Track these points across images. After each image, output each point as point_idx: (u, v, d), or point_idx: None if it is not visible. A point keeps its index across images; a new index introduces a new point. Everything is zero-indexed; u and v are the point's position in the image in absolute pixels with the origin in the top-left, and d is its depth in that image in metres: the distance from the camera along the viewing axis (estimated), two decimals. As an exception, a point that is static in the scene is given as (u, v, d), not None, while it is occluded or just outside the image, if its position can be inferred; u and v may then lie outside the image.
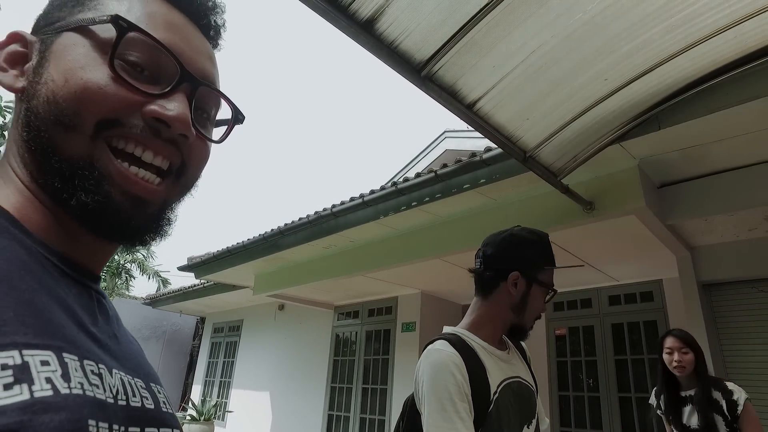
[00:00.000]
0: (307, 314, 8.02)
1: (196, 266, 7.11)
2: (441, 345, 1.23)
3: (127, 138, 0.46)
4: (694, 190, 3.46)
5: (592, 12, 2.09)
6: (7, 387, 0.31)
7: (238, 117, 0.55)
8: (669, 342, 2.62)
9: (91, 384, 0.37)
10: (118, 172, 0.45)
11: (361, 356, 6.93)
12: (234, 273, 6.78)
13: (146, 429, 0.43)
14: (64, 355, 0.35)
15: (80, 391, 0.35)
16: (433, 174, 3.85)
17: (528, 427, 1.28)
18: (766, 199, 3.22)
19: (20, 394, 0.31)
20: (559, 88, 2.46)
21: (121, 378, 0.43)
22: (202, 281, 8.42)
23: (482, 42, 2.12)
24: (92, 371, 0.38)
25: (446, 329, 1.38)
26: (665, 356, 2.62)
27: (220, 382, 10.00)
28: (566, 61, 2.32)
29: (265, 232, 5.63)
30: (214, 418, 8.14)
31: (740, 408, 2.30)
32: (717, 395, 2.38)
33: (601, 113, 2.66)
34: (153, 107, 0.46)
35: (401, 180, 4.26)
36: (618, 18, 2.14)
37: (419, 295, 6.40)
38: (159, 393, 0.50)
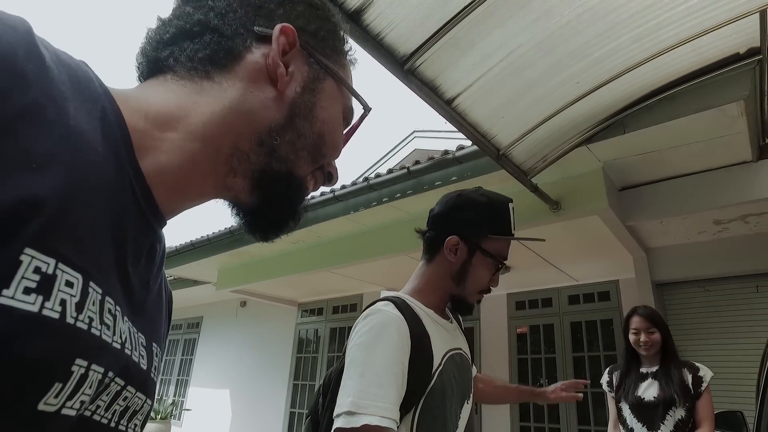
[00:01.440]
0: (270, 311, 7.93)
1: (156, 260, 6.91)
2: (385, 306, 1.08)
3: (315, 181, 0.56)
4: (652, 194, 3.66)
5: (569, 17, 2.19)
6: (27, 291, 0.31)
7: (367, 110, 0.61)
8: (635, 322, 2.51)
9: (102, 323, 0.37)
10: (305, 196, 0.56)
11: (325, 353, 6.92)
12: (197, 267, 6.63)
13: (128, 386, 0.43)
14: (91, 283, 0.35)
15: (85, 326, 0.35)
16: (405, 170, 3.91)
17: (467, 402, 1.21)
18: (714, 203, 3.45)
19: (32, 305, 0.31)
20: (534, 89, 2.56)
21: (129, 327, 0.43)
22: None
23: (464, 39, 2.19)
24: (109, 310, 0.38)
25: (386, 293, 1.19)
26: (631, 336, 2.51)
27: (177, 380, 9.73)
28: (542, 63, 2.42)
29: (231, 226, 5.54)
30: (171, 416, 7.92)
31: (704, 385, 2.31)
32: (683, 371, 2.36)
33: (571, 115, 2.78)
34: (334, 164, 0.58)
35: (372, 176, 4.31)
36: (591, 24, 2.26)
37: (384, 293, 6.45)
38: (155, 356, 0.50)
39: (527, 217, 3.62)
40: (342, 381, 1.00)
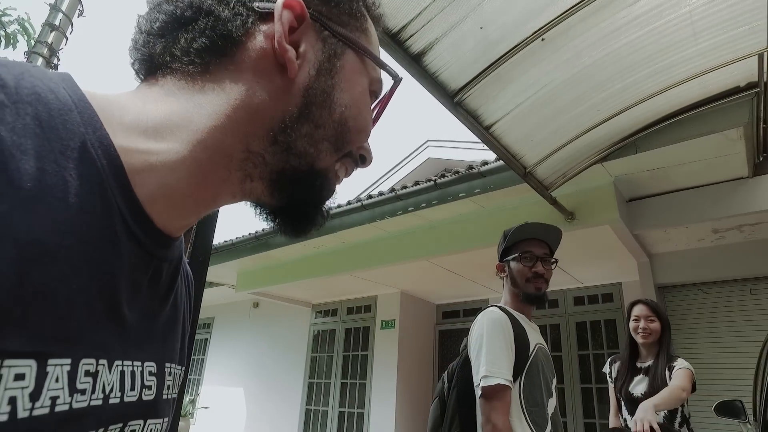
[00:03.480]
0: (283, 312, 8.20)
1: (177, 263, 7.15)
2: (494, 309, 1.63)
3: (347, 166, 0.52)
4: (657, 205, 4.01)
5: (594, 57, 2.53)
6: None
7: (397, 78, 0.55)
8: (637, 310, 2.63)
9: (72, 392, 0.34)
10: (333, 189, 0.50)
11: (340, 352, 7.22)
12: (218, 270, 6.90)
13: (129, 423, 0.41)
14: (50, 361, 0.32)
15: (46, 411, 0.32)
16: (432, 182, 4.23)
17: (554, 380, 1.67)
18: (713, 214, 3.81)
19: None
20: (560, 116, 2.90)
21: (122, 370, 0.40)
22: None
23: (505, 76, 2.52)
24: (87, 371, 0.35)
25: (490, 305, 1.76)
26: (631, 323, 2.62)
27: (190, 379, 9.97)
28: (568, 95, 2.76)
29: (256, 231, 5.83)
30: (189, 415, 8.16)
31: (675, 369, 2.42)
32: (665, 369, 2.48)
33: (591, 138, 3.12)
34: (367, 146, 0.52)
35: (395, 184, 4.63)
36: (614, 63, 2.60)
37: (398, 295, 6.77)
38: (168, 375, 0.48)
39: (544, 226, 3.96)
40: (475, 360, 1.51)
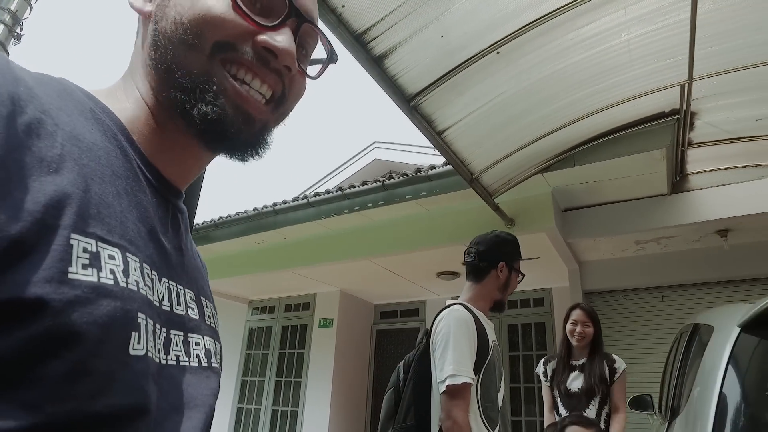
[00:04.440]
0: (218, 308, 7.92)
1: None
2: (459, 308, 1.66)
3: (239, 64, 0.49)
4: (589, 216, 4.30)
5: (545, 73, 2.68)
6: (84, 267, 0.36)
7: (332, 57, 0.59)
8: (575, 314, 2.83)
9: (145, 284, 0.42)
10: (233, 89, 0.48)
11: (276, 350, 7.10)
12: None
13: (189, 334, 0.50)
14: (128, 255, 0.40)
15: (135, 288, 0.40)
16: (379, 183, 4.28)
17: (502, 380, 1.75)
18: (637, 227, 4.14)
19: (91, 276, 0.36)
20: (508, 126, 3.04)
21: (168, 287, 0.48)
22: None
23: (461, 84, 2.61)
24: (147, 274, 0.43)
25: (450, 302, 1.78)
26: (569, 326, 2.81)
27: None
28: (518, 106, 2.90)
29: (197, 224, 5.62)
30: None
31: (618, 374, 2.67)
32: (603, 364, 2.70)
33: (535, 149, 3.30)
34: (264, 37, 0.49)
35: (342, 183, 4.64)
36: (560, 81, 2.77)
37: (338, 293, 6.76)
38: (207, 307, 0.56)
39: (483, 231, 4.11)
40: (440, 357, 1.53)
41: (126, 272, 0.39)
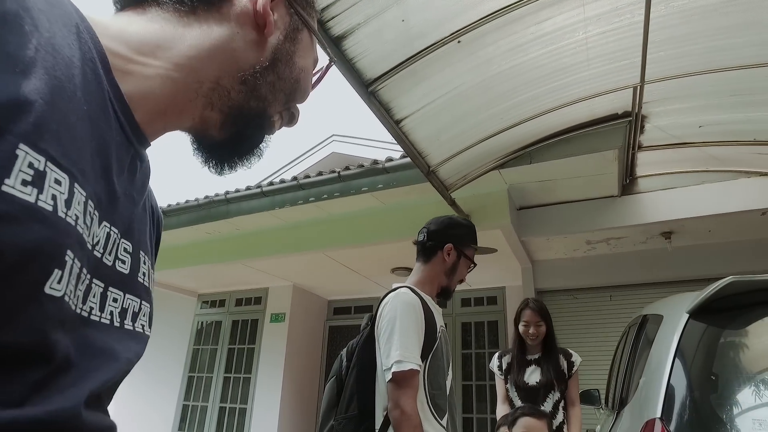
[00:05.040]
0: (165, 301, 7.60)
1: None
2: (406, 291, 1.57)
3: (279, 116, 0.61)
4: (543, 215, 4.37)
5: (504, 66, 2.68)
6: (24, 183, 0.32)
7: (330, 64, 0.70)
8: (526, 315, 2.80)
9: (84, 222, 0.38)
10: (272, 133, 0.61)
11: (225, 345, 6.88)
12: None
13: (110, 288, 0.45)
14: (76, 185, 0.37)
15: (72, 222, 0.36)
16: (336, 174, 4.19)
17: (450, 367, 1.67)
18: (588, 227, 4.24)
19: (29, 195, 0.33)
20: (467, 119, 3.03)
21: (108, 232, 0.44)
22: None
23: (420, 73, 2.57)
24: (90, 212, 0.39)
25: (397, 285, 1.68)
26: (521, 327, 2.79)
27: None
28: (476, 100, 2.89)
29: (142, 211, 5.34)
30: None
31: (575, 369, 2.71)
32: (560, 359, 2.72)
33: (492, 145, 3.30)
34: (299, 107, 0.64)
35: (297, 173, 4.53)
36: (519, 75, 2.77)
37: (291, 288, 6.62)
38: (144, 264, 0.52)
39: (442, 227, 4.12)
40: (386, 343, 1.45)
41: (69, 203, 0.36)
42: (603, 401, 3.07)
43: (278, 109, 0.58)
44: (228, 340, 6.91)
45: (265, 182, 4.63)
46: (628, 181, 4.24)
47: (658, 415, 1.35)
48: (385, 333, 1.48)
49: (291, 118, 0.62)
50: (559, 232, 4.31)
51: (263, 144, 0.59)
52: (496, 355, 2.98)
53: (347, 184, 4.22)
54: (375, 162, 4.08)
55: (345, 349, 1.70)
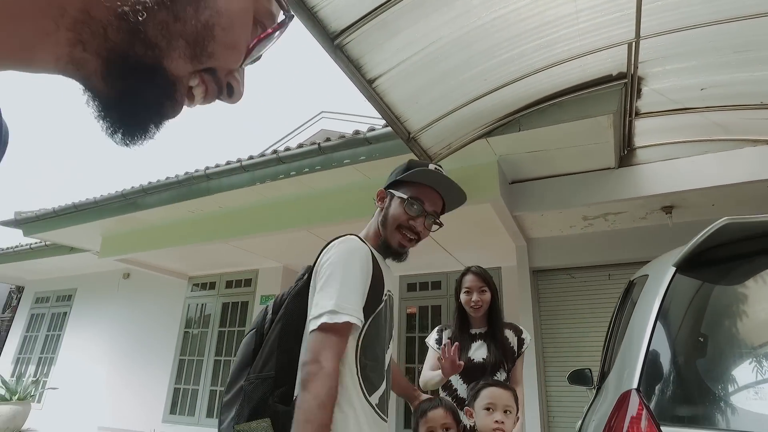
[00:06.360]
0: (156, 284, 7.51)
1: (27, 222, 6.20)
2: (354, 238, 1.34)
3: (202, 81, 0.45)
4: (536, 189, 4.15)
5: (485, 19, 2.45)
6: None
7: (289, 16, 0.51)
8: (468, 281, 2.46)
9: None
10: (179, 104, 0.44)
11: (216, 328, 6.76)
12: (77, 233, 6.08)
13: None
14: None
15: None
16: (316, 146, 4.00)
17: (392, 340, 1.43)
18: (584, 200, 4.02)
19: None
20: (447, 80, 2.81)
21: None
22: (35, 241, 7.36)
23: (392, 24, 2.35)
24: None
25: (350, 233, 1.44)
26: (463, 296, 2.45)
27: (40, 358, 8.81)
28: (457, 56, 2.67)
29: (124, 189, 5.18)
30: (31, 397, 7.17)
31: (525, 346, 2.38)
32: (509, 333, 2.40)
33: (476, 109, 3.08)
34: (237, 76, 0.48)
35: (282, 149, 4.33)
36: (503, 29, 2.54)
37: (281, 269, 6.47)
38: None
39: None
40: (321, 289, 1.22)
41: None
42: (595, 380, 2.89)
43: (184, 67, 0.42)
44: (218, 322, 6.79)
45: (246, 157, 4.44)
46: (625, 152, 4.00)
47: (635, 386, 1.16)
48: (323, 278, 1.23)
49: (228, 92, 0.47)
50: (553, 207, 4.09)
51: (169, 111, 0.43)
52: (437, 329, 2.61)
53: (328, 157, 4.02)
54: (356, 132, 3.88)
55: (272, 300, 1.43)
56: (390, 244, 1.42)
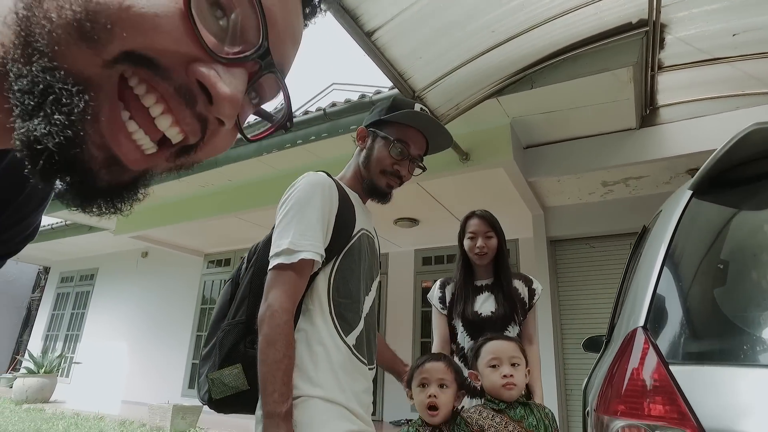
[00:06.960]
0: (174, 262, 7.58)
1: (43, 200, 6.27)
2: (319, 173, 1.27)
3: (151, 87, 0.32)
4: (552, 153, 3.95)
5: (488, -41, 2.26)
6: None
7: (285, 123, 0.44)
8: (473, 225, 2.23)
9: None
10: (112, 122, 0.32)
11: (232, 304, 6.82)
12: (92, 210, 6.14)
13: None
14: None
15: None
16: (321, 112, 3.87)
17: (374, 283, 1.34)
18: (604, 163, 3.81)
19: None
20: (452, 31, 2.63)
21: None
22: (56, 221, 7.50)
23: (387, -32, 2.19)
24: None
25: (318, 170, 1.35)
26: (467, 242, 2.21)
27: (67, 335, 9.07)
28: (460, 5, 2.49)
29: (134, 165, 5.17)
30: (57, 371, 7.39)
31: (536, 298, 2.18)
32: (518, 284, 2.18)
33: (485, 64, 2.90)
34: (204, 70, 0.33)
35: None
36: (509, -30, 2.35)
37: (296, 245, 6.44)
38: None
39: (439, 166, 3.76)
40: (277, 228, 1.16)
41: None
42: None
43: (90, 61, 0.30)
44: (234, 298, 6.83)
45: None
46: (648, 112, 3.76)
47: (641, 323, 1.02)
48: (280, 216, 1.17)
49: (191, 94, 0.33)
50: (571, 171, 3.89)
51: (108, 173, 0.32)
52: (438, 283, 2.35)
53: (334, 123, 3.89)
54: (362, 96, 3.73)
55: (249, 250, 1.37)
56: (377, 185, 1.34)
